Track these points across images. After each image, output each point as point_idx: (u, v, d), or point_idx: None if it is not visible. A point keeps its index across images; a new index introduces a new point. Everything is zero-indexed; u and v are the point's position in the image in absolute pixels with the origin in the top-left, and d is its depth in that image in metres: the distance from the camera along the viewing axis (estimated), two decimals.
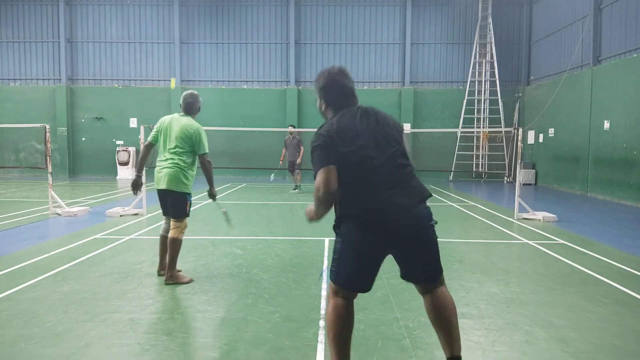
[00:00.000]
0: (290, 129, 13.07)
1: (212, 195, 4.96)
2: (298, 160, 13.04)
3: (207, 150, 4.78)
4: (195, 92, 4.91)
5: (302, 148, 13.03)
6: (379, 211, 2.52)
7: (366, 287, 2.65)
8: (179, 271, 4.81)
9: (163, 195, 4.73)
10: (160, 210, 4.96)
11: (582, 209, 10.56)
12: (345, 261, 2.59)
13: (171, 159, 4.64)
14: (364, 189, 2.56)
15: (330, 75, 2.79)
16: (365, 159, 2.57)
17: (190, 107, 4.86)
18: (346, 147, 2.56)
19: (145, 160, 4.98)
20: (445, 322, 2.64)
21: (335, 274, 2.62)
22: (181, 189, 4.62)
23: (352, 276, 2.60)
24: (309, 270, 5.20)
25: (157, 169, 4.73)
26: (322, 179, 2.51)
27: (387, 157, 2.60)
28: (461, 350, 2.69)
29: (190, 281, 4.73)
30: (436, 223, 2.66)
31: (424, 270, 2.66)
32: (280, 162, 13.36)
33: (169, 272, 4.65)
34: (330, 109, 2.81)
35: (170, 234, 4.66)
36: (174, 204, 4.67)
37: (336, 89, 2.78)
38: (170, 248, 4.63)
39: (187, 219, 4.78)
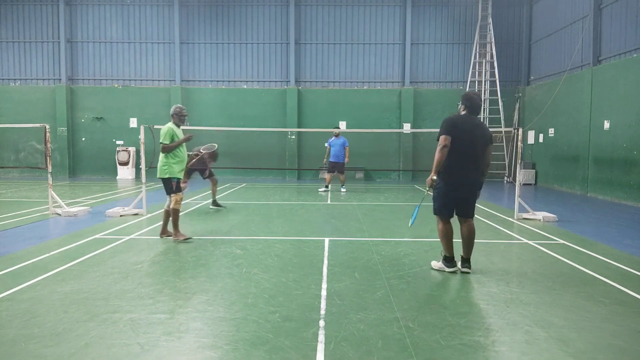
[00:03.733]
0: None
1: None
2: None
3: None
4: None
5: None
6: (459, 177, 4.93)
7: (451, 215, 5.09)
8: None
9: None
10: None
11: (582, 209, 10.56)
12: (438, 201, 5.06)
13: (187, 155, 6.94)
14: (455, 163, 4.87)
15: (472, 93, 5.10)
16: (462, 145, 4.84)
17: None
18: (455, 133, 4.85)
19: None
20: (467, 239, 5.09)
21: (436, 209, 5.13)
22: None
23: (445, 209, 5.05)
24: (309, 270, 5.20)
25: (180, 162, 6.68)
26: (442, 139, 4.86)
27: (472, 150, 4.89)
28: (470, 256, 5.14)
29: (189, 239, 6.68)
30: (480, 189, 5.07)
31: (467, 211, 5.08)
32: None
33: (174, 231, 6.66)
34: (466, 111, 5.05)
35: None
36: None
37: (470, 102, 5.02)
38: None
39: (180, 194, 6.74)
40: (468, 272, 5.06)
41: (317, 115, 18.24)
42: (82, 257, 5.64)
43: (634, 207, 10.75)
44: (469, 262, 5.13)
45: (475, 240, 5.13)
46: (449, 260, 5.15)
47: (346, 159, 13.35)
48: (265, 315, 3.83)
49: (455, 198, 5.00)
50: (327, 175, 13.67)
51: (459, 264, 5.15)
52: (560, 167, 15.01)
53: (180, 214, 6.52)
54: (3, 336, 3.39)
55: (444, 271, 5.13)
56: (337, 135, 13.27)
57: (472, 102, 4.99)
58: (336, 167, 13.32)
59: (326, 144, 13.96)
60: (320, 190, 13.60)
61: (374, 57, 18.41)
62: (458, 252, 5.24)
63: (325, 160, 13.82)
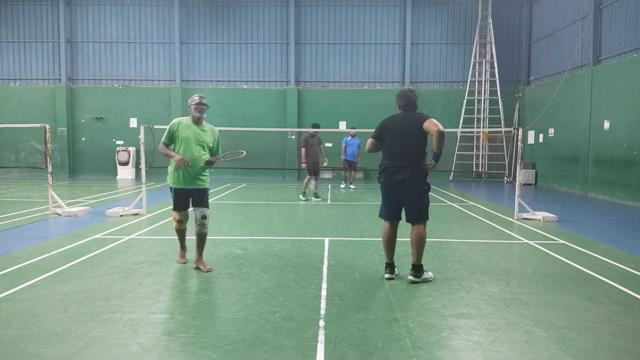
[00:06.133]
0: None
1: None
2: None
3: None
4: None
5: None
6: (387, 176, 4.77)
7: (392, 218, 4.87)
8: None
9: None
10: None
11: (582, 209, 10.56)
12: (382, 204, 4.93)
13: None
14: (386, 162, 4.82)
15: (404, 90, 4.98)
16: (390, 143, 4.79)
17: None
18: (384, 133, 4.86)
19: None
20: (412, 244, 4.76)
21: (380, 212, 4.97)
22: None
23: (385, 211, 4.91)
24: (309, 270, 5.20)
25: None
26: (368, 142, 4.97)
27: (401, 148, 4.73)
28: (419, 262, 4.73)
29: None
30: (428, 187, 4.85)
31: (409, 215, 4.78)
32: None
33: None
34: (401, 109, 4.91)
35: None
36: None
37: (403, 99, 4.90)
38: None
39: (174, 212, 5.45)
40: (415, 282, 4.68)
41: (317, 116, 18.22)
42: (82, 257, 5.63)
43: (634, 207, 10.74)
44: (416, 269, 4.72)
45: (424, 247, 4.74)
46: (386, 265, 4.94)
47: (358, 158, 14.59)
48: (265, 315, 3.82)
49: (391, 199, 4.79)
50: (350, 174, 14.82)
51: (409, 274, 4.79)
52: (560, 167, 15.01)
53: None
54: (3, 336, 3.39)
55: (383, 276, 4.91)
56: (353, 136, 14.21)
57: (405, 100, 4.84)
58: (352, 166, 14.45)
59: (342, 143, 14.69)
60: (341, 187, 14.79)
61: (374, 57, 18.41)
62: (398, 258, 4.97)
63: (342, 157, 14.67)
